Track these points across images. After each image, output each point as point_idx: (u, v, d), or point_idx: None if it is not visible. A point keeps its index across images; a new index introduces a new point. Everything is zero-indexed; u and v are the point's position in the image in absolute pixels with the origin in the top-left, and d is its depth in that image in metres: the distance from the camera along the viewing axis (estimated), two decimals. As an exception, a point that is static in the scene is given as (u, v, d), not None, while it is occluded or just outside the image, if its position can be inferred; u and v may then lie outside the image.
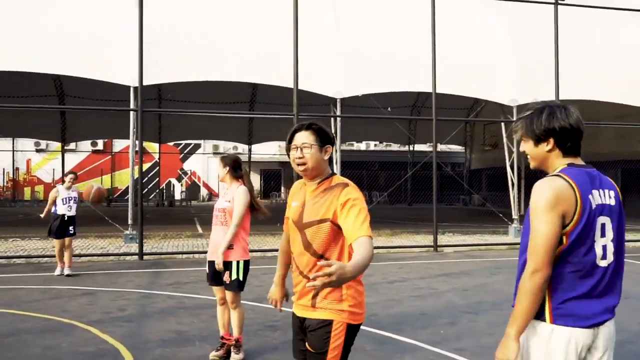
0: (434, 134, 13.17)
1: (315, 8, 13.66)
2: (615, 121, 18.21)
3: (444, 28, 13.14)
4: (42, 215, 8.99)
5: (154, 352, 5.12)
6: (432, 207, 12.78)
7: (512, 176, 15.75)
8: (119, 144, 37.15)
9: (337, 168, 13.36)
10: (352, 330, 2.57)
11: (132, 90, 13.09)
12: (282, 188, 37.65)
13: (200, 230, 16.98)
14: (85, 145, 35.38)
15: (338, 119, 14.34)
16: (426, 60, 13.21)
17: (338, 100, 14.19)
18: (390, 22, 14.64)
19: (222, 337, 4.94)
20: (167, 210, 28.19)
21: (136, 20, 11.80)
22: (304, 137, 2.61)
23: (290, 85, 12.93)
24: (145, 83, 11.83)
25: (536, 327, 2.18)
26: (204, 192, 38.81)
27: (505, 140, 15.77)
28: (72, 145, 33.44)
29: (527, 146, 2.30)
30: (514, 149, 15.46)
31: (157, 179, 35.14)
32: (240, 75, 14.96)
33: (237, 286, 4.71)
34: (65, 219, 8.91)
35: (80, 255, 11.07)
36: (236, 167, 4.87)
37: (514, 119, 15.09)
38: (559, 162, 2.24)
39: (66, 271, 9.02)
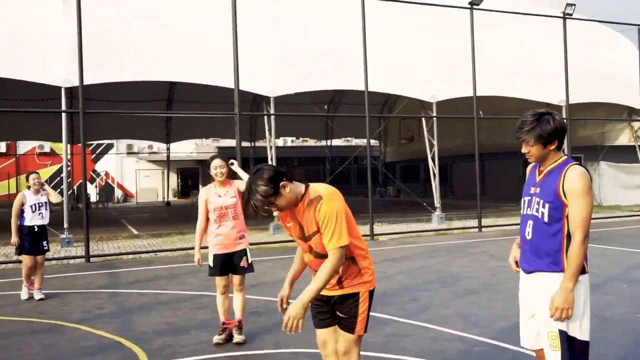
0: (367, 130, 14.02)
1: (252, 8, 13.98)
2: (517, 115, 19.96)
3: (372, 30, 14.00)
4: (13, 239, 7.50)
5: (156, 342, 5.43)
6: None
7: (433, 168, 16.94)
8: (23, 146, 35.25)
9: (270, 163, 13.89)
10: (372, 293, 3.22)
11: (63, 90, 12.90)
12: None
13: (135, 231, 16.82)
14: (-13, 148, 33.27)
15: (272, 117, 14.87)
16: (354, 60, 14.01)
17: (272, 98, 14.68)
18: (320, 24, 15.28)
19: (224, 323, 5.36)
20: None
21: (71, 18, 11.73)
22: (262, 192, 2.91)
23: (218, 83, 13.57)
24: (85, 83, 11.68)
25: (580, 279, 2.83)
26: (118, 193, 37.67)
27: (426, 134, 16.90)
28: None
29: (536, 149, 2.90)
30: (435, 142, 16.65)
31: (70, 179, 33.71)
32: (166, 75, 15.04)
33: (251, 269, 5.30)
34: (36, 230, 7.61)
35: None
36: None
37: (434, 114, 16.29)
38: (557, 156, 2.95)
39: (38, 295, 7.55)
